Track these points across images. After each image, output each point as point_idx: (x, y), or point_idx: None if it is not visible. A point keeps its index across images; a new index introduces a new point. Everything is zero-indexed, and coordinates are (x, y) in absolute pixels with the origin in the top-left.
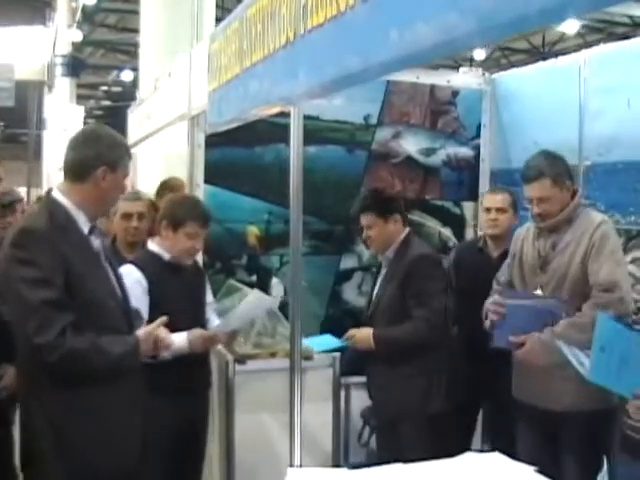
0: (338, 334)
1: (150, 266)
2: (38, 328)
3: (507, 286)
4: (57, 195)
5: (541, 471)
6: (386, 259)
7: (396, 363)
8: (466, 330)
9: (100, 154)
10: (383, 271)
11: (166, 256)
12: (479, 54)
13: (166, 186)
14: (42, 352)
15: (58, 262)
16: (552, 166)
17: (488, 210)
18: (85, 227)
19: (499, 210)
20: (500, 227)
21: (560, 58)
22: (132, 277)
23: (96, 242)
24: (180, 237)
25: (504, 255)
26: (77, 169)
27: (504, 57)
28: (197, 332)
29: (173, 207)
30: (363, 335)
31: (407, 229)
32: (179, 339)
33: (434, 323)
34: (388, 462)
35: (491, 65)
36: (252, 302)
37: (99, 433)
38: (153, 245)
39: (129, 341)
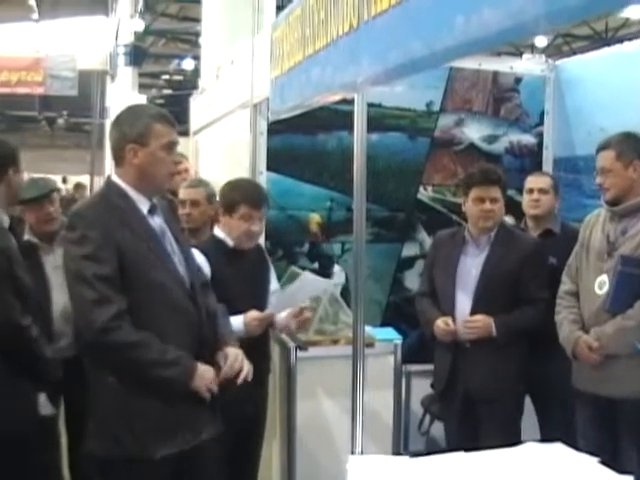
0: (400, 321)
1: (213, 252)
2: (94, 303)
3: (575, 273)
4: (115, 178)
5: (604, 462)
6: (483, 241)
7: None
8: None
9: (123, 134)
10: (477, 252)
11: (230, 242)
12: (540, 41)
13: None
14: (93, 331)
15: (109, 242)
16: (622, 141)
17: (530, 191)
18: (144, 207)
19: (541, 191)
20: (541, 207)
21: (626, 44)
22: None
23: (157, 221)
24: (235, 221)
25: (544, 235)
26: (114, 154)
27: (565, 44)
28: (253, 314)
29: (226, 192)
30: (485, 324)
31: None
32: (236, 322)
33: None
34: (461, 445)
35: (552, 52)
36: (302, 283)
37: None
38: (218, 231)
39: (185, 370)
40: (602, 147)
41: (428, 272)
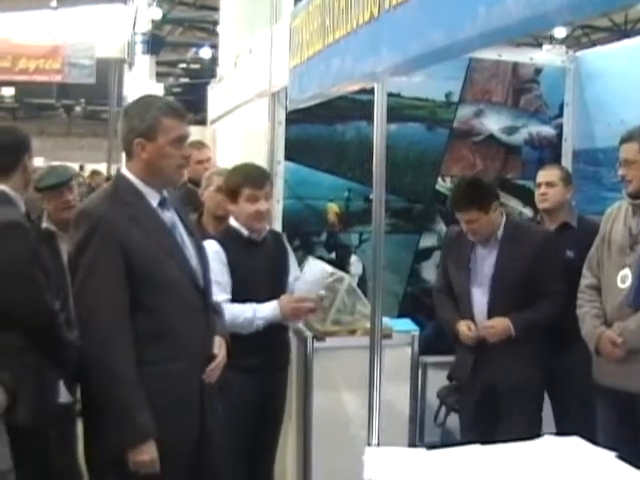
0: (417, 312)
1: (230, 242)
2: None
3: (596, 267)
4: (125, 172)
5: (622, 457)
6: (490, 242)
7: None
8: None
9: (131, 127)
10: (486, 252)
11: (245, 232)
12: (560, 32)
13: None
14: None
15: (113, 242)
16: None
17: (539, 185)
18: (154, 200)
19: (548, 184)
20: (550, 201)
21: None
22: (211, 249)
23: (167, 215)
24: (242, 205)
25: (561, 228)
26: (123, 147)
27: (584, 35)
28: (286, 297)
29: (227, 180)
30: (503, 326)
31: (502, 209)
32: (270, 307)
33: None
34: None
35: (572, 43)
36: (310, 269)
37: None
38: (233, 221)
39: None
40: (626, 139)
41: (443, 269)
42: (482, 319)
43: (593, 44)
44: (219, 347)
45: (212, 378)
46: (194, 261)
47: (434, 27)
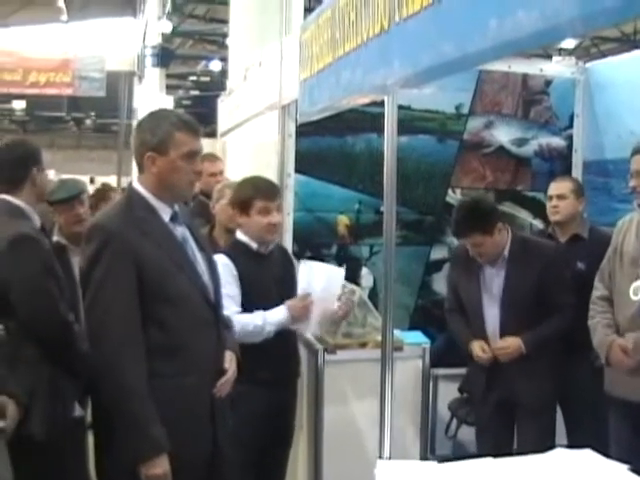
0: (428, 325)
1: (239, 255)
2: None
3: (608, 278)
4: (137, 185)
5: (635, 469)
6: (497, 261)
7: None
8: None
9: (143, 141)
10: (494, 271)
11: (253, 245)
12: (569, 43)
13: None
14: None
15: (125, 256)
16: None
17: (550, 198)
18: (166, 215)
19: (559, 197)
20: (561, 213)
21: None
22: (221, 262)
23: (179, 229)
24: (254, 218)
25: (572, 240)
26: (136, 160)
27: (594, 46)
28: (292, 300)
29: (238, 193)
30: (515, 346)
31: (507, 227)
32: (278, 311)
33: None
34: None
35: (581, 54)
36: (308, 272)
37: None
38: (241, 235)
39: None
40: (637, 150)
41: (452, 285)
42: (494, 337)
43: (603, 55)
44: (230, 362)
45: (223, 392)
46: (205, 276)
47: (445, 39)
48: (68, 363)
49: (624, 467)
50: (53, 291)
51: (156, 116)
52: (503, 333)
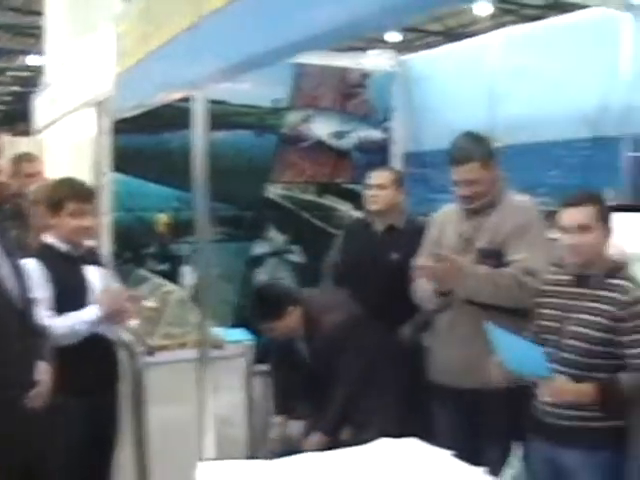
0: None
1: (47, 258)
2: None
3: None
4: None
5: (459, 455)
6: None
7: None
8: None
9: None
10: None
11: (62, 246)
12: (394, 36)
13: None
14: None
15: None
16: (480, 148)
17: (370, 187)
18: None
19: (379, 187)
20: (380, 203)
21: (470, 40)
22: (30, 267)
23: None
24: (65, 219)
25: (389, 230)
26: None
27: (418, 39)
28: (99, 294)
29: (50, 192)
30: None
31: None
32: (88, 309)
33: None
34: None
35: (405, 47)
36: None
37: None
38: (49, 237)
39: None
40: (463, 160)
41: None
42: None
43: (428, 48)
44: (44, 373)
45: (36, 404)
46: (10, 282)
47: (252, 33)
48: None
49: (448, 453)
50: None
51: None
52: None
